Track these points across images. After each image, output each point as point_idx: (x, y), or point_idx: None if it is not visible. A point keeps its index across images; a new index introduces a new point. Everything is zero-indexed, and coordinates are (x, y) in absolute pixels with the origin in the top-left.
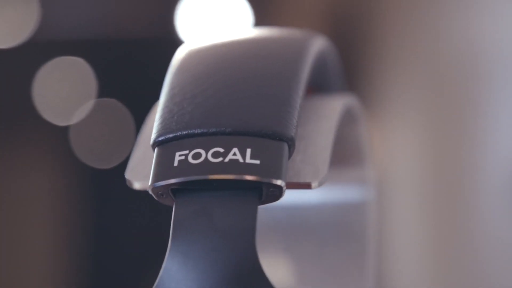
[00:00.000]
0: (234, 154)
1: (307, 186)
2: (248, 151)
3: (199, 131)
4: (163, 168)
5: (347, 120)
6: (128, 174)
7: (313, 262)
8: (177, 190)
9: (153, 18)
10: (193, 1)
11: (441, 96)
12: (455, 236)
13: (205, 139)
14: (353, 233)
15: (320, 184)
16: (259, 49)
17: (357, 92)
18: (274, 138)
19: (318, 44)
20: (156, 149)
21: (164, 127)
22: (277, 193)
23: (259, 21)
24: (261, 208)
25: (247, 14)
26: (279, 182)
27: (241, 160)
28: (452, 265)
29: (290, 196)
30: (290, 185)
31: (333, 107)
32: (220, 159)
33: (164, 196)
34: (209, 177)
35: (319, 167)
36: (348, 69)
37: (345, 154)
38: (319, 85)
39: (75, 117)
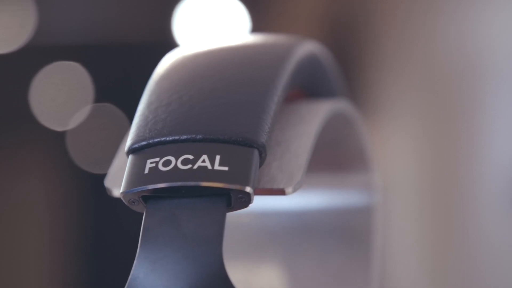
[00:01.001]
0: (203, 161)
1: (281, 192)
2: (217, 158)
3: (170, 138)
4: (134, 175)
5: (343, 125)
6: (107, 182)
7: (317, 267)
8: (148, 197)
9: (150, 24)
10: (191, 6)
11: (438, 101)
12: (453, 240)
13: (177, 146)
14: (357, 238)
15: (294, 190)
16: (240, 57)
17: (354, 97)
18: (244, 145)
19: (304, 50)
20: (129, 157)
21: (138, 135)
22: (246, 199)
23: (256, 27)
24: (267, 213)
25: (245, 20)
26: (246, 189)
27: (209, 167)
28: (450, 269)
29: (295, 202)
30: (264, 191)
31: (316, 112)
32: (189, 166)
33: (135, 203)
34: (176, 184)
35: (294, 173)
36: (346, 74)
37: (348, 159)
38: (313, 90)
39: (72, 122)
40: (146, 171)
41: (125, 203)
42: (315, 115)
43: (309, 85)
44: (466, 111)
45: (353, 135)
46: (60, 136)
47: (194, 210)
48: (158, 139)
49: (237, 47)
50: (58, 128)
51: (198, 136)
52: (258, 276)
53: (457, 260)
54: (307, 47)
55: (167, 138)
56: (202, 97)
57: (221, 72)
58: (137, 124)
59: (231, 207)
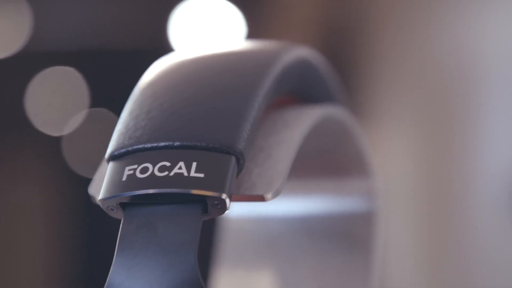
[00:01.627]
0: (180, 168)
1: (261, 198)
2: (194, 164)
3: (148, 145)
4: (112, 182)
5: (338, 130)
6: (91, 189)
7: (316, 273)
8: (126, 204)
9: (146, 29)
10: (187, 12)
11: (435, 105)
12: (450, 245)
13: (155, 153)
14: (358, 244)
15: (274, 196)
16: (224, 63)
17: (352, 102)
18: (221, 152)
19: (291, 55)
20: (109, 164)
21: (118, 142)
22: (222, 206)
23: (252, 32)
24: (265, 219)
25: (241, 25)
26: (221, 196)
27: (185, 173)
28: (448, 274)
29: (295, 207)
30: (244, 198)
31: (302, 117)
32: (166, 173)
33: (114, 210)
34: (151, 191)
35: (274, 179)
36: (342, 79)
37: (347, 164)
38: (307, 96)
39: (68, 127)
40: (124, 178)
41: (104, 210)
42: (300, 121)
43: (302, 91)
44: (462, 116)
45: (350, 141)
46: (56, 141)
47: (170, 217)
48: (137, 146)
49: (222, 54)
50: (54, 133)
51: (176, 143)
52: (256, 282)
53: (454, 265)
54: (297, 53)
55: (146, 145)
56: (182, 104)
57: (203, 79)
58: (118, 131)
59: (208, 213)
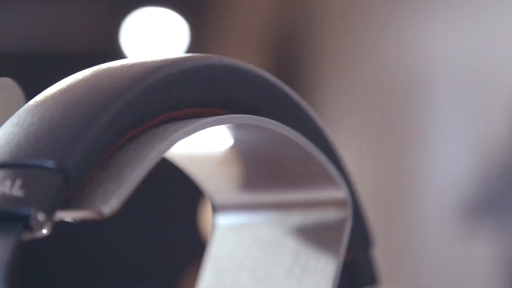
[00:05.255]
0: (5, 186)
1: (97, 213)
2: (17, 182)
3: None
4: None
5: (280, 142)
6: None
7: (290, 274)
8: None
9: (98, 34)
10: (138, 19)
11: (385, 113)
12: (399, 252)
13: None
14: (328, 247)
15: (109, 211)
16: (98, 80)
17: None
18: (48, 169)
19: (182, 66)
20: None
21: None
22: (40, 223)
23: (197, 41)
24: (249, 226)
25: (185, 34)
26: (36, 213)
27: (7, 192)
28: (397, 282)
29: (273, 216)
30: (82, 213)
31: (175, 130)
32: None
33: None
34: None
35: (113, 194)
36: (291, 85)
37: (311, 174)
38: (242, 107)
39: None
40: None
41: None
42: (172, 135)
43: (227, 103)
44: (412, 124)
45: (300, 149)
46: None
47: None
48: None
49: (103, 70)
50: None
51: (9, 162)
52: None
53: (405, 272)
54: (194, 62)
55: None
56: (29, 122)
57: (64, 97)
58: None
59: (32, 230)
